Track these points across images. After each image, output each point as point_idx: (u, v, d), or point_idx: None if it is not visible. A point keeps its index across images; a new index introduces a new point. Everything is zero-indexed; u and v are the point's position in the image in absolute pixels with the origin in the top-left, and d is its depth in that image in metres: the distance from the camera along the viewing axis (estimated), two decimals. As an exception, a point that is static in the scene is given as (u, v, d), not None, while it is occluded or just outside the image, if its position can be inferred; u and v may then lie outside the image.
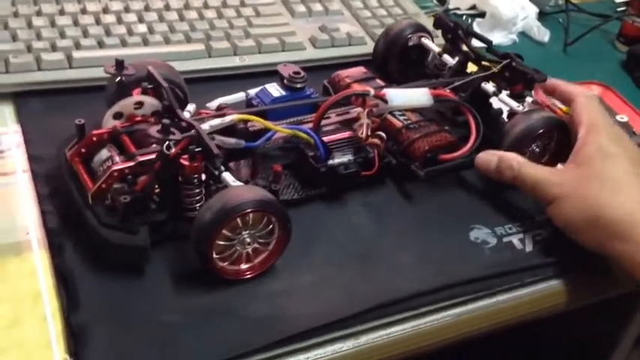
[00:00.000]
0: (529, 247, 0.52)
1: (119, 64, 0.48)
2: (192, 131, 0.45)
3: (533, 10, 0.83)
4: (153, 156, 0.44)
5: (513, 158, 0.53)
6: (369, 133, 0.53)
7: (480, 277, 0.50)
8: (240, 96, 0.56)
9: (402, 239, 0.52)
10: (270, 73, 0.60)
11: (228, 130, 0.50)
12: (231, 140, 0.49)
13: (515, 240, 0.53)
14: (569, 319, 0.63)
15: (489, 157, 0.54)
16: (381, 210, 0.54)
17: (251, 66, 0.66)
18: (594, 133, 0.52)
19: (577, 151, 0.52)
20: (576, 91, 0.56)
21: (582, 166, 0.50)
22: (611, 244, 0.48)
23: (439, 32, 0.66)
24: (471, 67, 0.62)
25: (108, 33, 0.64)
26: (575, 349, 0.78)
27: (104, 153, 0.46)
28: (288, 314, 0.45)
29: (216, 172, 0.46)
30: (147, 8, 0.68)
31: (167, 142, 0.43)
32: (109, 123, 0.48)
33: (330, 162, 0.52)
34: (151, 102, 0.48)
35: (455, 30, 0.63)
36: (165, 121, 0.43)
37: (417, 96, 0.56)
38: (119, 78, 0.49)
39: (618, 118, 0.70)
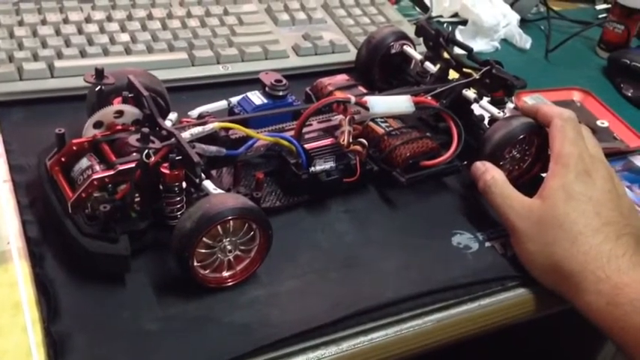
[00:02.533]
0: (511, 252, 0.53)
1: (99, 73, 0.48)
2: (172, 139, 0.45)
3: (515, 17, 0.84)
4: (133, 165, 0.44)
5: (491, 174, 0.53)
6: (351, 140, 0.53)
7: (463, 283, 0.50)
8: (222, 104, 0.56)
9: (385, 245, 0.52)
10: (254, 82, 0.60)
11: (209, 139, 0.50)
12: (212, 148, 0.49)
13: (497, 244, 0.54)
14: (554, 322, 0.63)
15: (479, 166, 0.55)
16: (364, 216, 0.54)
17: (234, 74, 0.67)
18: (563, 166, 0.51)
19: (545, 182, 0.51)
20: (553, 112, 0.54)
21: (547, 202, 0.50)
22: (570, 295, 0.48)
23: (421, 40, 0.66)
24: (453, 74, 0.63)
25: (90, 42, 0.64)
26: (560, 351, 0.79)
27: (84, 162, 0.46)
28: (270, 321, 0.45)
29: (197, 180, 0.46)
30: (129, 17, 0.68)
31: (146, 151, 0.43)
32: (90, 132, 0.48)
33: (312, 169, 0.52)
34: (131, 111, 0.49)
35: (436, 37, 0.64)
36: (144, 129, 0.43)
37: (399, 103, 0.57)
38: (99, 87, 0.49)
39: (599, 123, 0.70)
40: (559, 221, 0.49)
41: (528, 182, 0.57)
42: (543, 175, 0.56)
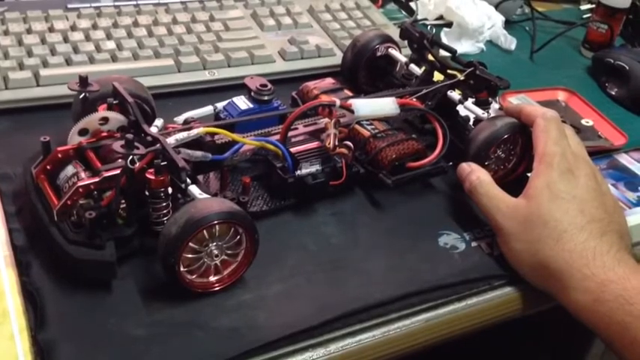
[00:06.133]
0: (497, 251, 0.53)
1: (83, 80, 0.48)
2: (157, 145, 0.45)
3: (500, 18, 0.85)
4: (118, 171, 0.44)
5: (477, 175, 0.54)
6: (337, 143, 0.53)
7: (450, 283, 0.50)
8: (208, 109, 0.56)
9: (372, 247, 0.52)
10: (241, 87, 0.60)
11: (195, 144, 0.50)
12: (198, 153, 0.49)
13: (483, 244, 0.54)
14: (544, 320, 0.64)
15: (464, 167, 0.55)
16: (351, 219, 0.54)
17: (221, 80, 0.67)
18: (546, 166, 0.51)
19: (530, 181, 0.52)
20: (537, 112, 0.55)
21: (531, 201, 0.50)
22: (557, 293, 0.49)
23: (406, 42, 0.67)
24: (438, 76, 0.63)
25: (76, 50, 0.64)
26: (550, 349, 0.79)
27: (70, 169, 0.46)
28: (258, 325, 0.45)
29: (183, 186, 0.46)
30: (115, 25, 0.68)
31: (131, 157, 0.43)
32: (75, 139, 0.48)
33: (298, 172, 0.53)
34: (116, 117, 0.49)
35: (420, 40, 0.64)
36: (129, 135, 0.43)
37: (384, 105, 0.57)
38: (83, 94, 0.49)
39: (584, 122, 0.71)
40: (544, 220, 0.49)
41: (514, 182, 0.58)
42: (529, 174, 0.57)
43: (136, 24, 0.69)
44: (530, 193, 0.51)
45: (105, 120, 0.49)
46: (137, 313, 0.44)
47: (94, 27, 0.67)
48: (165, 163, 0.45)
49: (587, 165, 0.53)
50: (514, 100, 0.72)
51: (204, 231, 0.43)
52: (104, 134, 0.49)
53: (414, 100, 0.60)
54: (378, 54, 0.67)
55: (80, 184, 0.44)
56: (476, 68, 0.60)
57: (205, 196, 0.46)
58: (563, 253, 0.48)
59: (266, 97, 0.57)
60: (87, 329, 0.43)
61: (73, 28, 0.67)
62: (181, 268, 0.44)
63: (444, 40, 0.81)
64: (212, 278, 0.46)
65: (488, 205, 0.52)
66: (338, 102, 0.54)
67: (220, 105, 0.57)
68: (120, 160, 0.45)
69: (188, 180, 0.46)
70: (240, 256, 0.46)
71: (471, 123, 0.61)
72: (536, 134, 0.54)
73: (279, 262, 0.49)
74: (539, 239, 0.49)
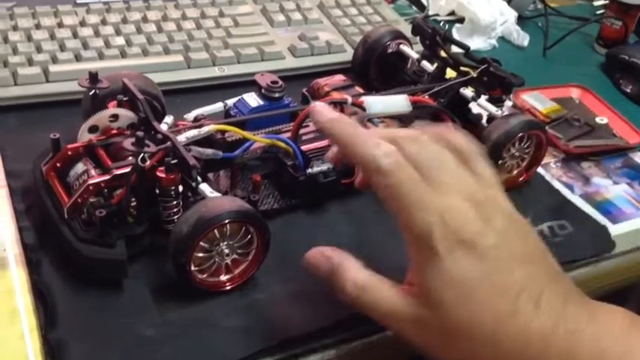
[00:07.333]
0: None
1: (93, 76, 0.48)
2: (168, 143, 0.45)
3: (513, 14, 0.84)
4: (128, 169, 0.44)
5: (350, 278, 0.39)
6: (348, 141, 0.53)
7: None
8: (218, 106, 0.56)
9: (384, 246, 0.52)
10: (250, 83, 0.60)
11: (206, 141, 0.50)
12: (209, 151, 0.49)
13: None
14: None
15: (318, 258, 0.41)
16: (362, 217, 0.54)
17: (231, 76, 0.66)
18: (427, 253, 0.36)
19: (418, 278, 0.38)
20: (364, 162, 0.38)
21: (436, 311, 0.37)
22: None
23: (418, 38, 0.66)
24: (450, 73, 0.63)
25: (85, 46, 0.64)
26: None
27: (80, 167, 0.46)
28: (270, 324, 0.44)
29: (194, 184, 0.45)
30: (124, 20, 0.68)
31: (142, 155, 0.43)
32: (85, 137, 0.47)
33: (310, 170, 0.52)
34: (126, 114, 0.48)
35: (433, 36, 0.63)
36: (139, 133, 0.43)
37: (396, 103, 0.56)
38: (93, 91, 0.49)
39: (598, 120, 0.70)
40: (466, 333, 0.36)
41: (527, 180, 0.57)
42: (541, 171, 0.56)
43: (145, 20, 0.68)
44: (429, 301, 0.37)
45: (115, 117, 0.48)
46: (148, 312, 0.44)
47: (104, 22, 0.67)
48: (175, 161, 0.45)
49: (476, 219, 0.37)
50: (527, 97, 0.71)
51: (216, 230, 0.43)
52: (114, 131, 0.48)
53: (427, 97, 0.59)
54: (390, 50, 0.66)
55: (91, 182, 0.44)
56: (489, 65, 0.59)
57: (216, 194, 0.45)
58: (509, 356, 0.36)
59: (277, 94, 0.56)
60: (98, 328, 0.42)
61: (82, 23, 0.66)
62: (192, 267, 0.44)
63: (456, 36, 0.80)
64: (223, 277, 0.46)
65: (384, 321, 0.39)
66: (350, 99, 0.54)
67: (230, 102, 0.56)
68: (130, 158, 0.45)
69: (199, 178, 0.46)
70: (251, 255, 0.46)
71: (484, 121, 0.60)
72: (382, 198, 0.38)
73: (290, 261, 0.49)
74: (474, 355, 0.37)
